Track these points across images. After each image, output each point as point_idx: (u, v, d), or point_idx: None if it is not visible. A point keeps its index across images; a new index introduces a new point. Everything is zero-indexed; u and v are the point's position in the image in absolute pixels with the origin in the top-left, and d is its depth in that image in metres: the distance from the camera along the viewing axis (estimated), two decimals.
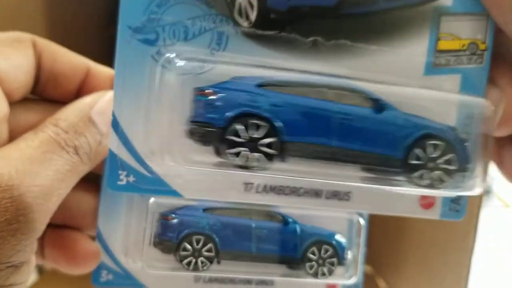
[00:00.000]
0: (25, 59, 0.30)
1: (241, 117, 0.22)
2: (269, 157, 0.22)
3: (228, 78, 0.23)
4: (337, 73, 0.24)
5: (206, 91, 0.22)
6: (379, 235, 0.49)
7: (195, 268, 0.32)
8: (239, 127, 0.22)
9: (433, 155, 0.23)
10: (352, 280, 0.36)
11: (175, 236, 0.31)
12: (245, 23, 0.24)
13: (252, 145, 0.22)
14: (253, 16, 0.24)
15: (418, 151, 0.23)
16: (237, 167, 0.22)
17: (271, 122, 0.22)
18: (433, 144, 0.23)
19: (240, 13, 0.24)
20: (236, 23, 0.24)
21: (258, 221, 0.32)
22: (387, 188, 0.24)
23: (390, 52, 0.26)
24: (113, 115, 0.24)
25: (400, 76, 0.25)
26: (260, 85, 0.23)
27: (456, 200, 0.27)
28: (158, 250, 0.32)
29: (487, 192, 0.99)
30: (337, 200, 0.26)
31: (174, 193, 0.25)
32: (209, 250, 0.31)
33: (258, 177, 0.25)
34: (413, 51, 0.26)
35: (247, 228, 0.32)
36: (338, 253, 0.34)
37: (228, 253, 0.32)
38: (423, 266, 0.54)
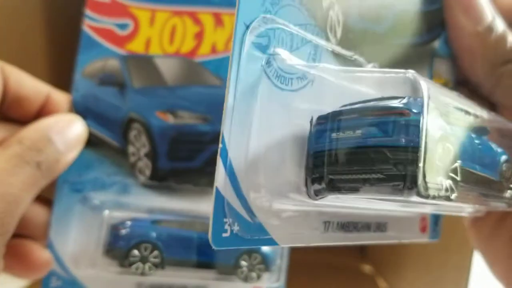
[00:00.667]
0: None
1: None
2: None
3: None
4: None
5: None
6: None
7: (143, 273, 0.36)
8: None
9: None
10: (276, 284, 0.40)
11: (125, 244, 0.36)
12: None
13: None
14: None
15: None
16: None
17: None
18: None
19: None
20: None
21: (199, 232, 0.38)
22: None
23: None
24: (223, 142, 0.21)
25: None
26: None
27: (436, 221, 0.34)
28: (108, 258, 0.36)
29: None
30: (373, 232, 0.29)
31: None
32: (155, 257, 0.36)
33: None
34: None
35: (189, 239, 0.38)
36: (266, 261, 0.38)
37: (172, 260, 0.37)
38: (423, 266, 0.54)
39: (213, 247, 0.21)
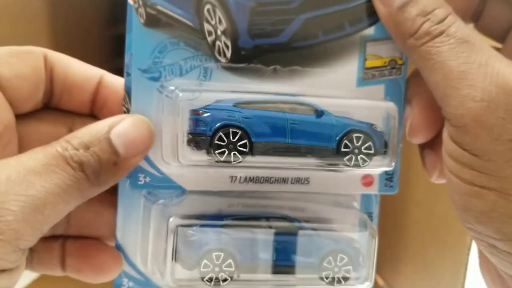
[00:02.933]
0: (31, 70, 0.31)
1: (223, 127, 0.31)
2: (243, 154, 0.31)
3: (213, 101, 0.32)
4: (291, 91, 0.33)
5: (199, 111, 0.31)
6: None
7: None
8: (222, 134, 0.31)
9: (357, 144, 0.33)
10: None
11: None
12: (223, 60, 0.33)
13: (232, 146, 0.31)
14: (228, 54, 0.33)
15: (346, 141, 0.33)
16: (222, 163, 0.32)
17: (244, 129, 0.31)
18: (356, 136, 0.33)
19: (219, 53, 0.33)
20: (217, 60, 0.33)
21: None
22: (333, 172, 0.34)
23: (330, 72, 0.35)
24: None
25: (339, 89, 0.34)
26: (235, 105, 0.32)
27: (389, 178, 0.37)
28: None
29: None
30: (300, 184, 0.35)
31: (179, 187, 0.34)
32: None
33: (240, 171, 0.34)
34: (347, 70, 0.35)
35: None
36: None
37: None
38: (420, 263, 0.55)
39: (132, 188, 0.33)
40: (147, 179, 0.34)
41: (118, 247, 0.35)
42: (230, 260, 0.32)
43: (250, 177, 0.35)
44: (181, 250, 0.32)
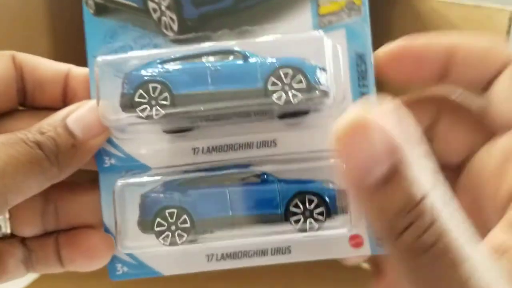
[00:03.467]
0: (2, 70, 0.33)
1: (144, 84, 0.30)
2: (164, 107, 0.30)
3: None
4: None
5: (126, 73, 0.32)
6: None
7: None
8: (142, 91, 0.30)
9: (286, 81, 0.30)
10: None
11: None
12: (171, 34, 0.34)
13: (154, 102, 0.30)
14: (175, 27, 0.34)
15: (273, 79, 0.30)
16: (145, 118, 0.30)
17: (163, 83, 0.30)
18: (284, 72, 0.30)
19: (166, 28, 0.34)
20: (165, 35, 0.34)
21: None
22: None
23: (282, 26, 0.33)
24: None
25: None
26: (160, 62, 0.31)
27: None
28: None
29: None
30: (267, 148, 0.33)
31: (144, 166, 0.33)
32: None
33: (202, 143, 0.33)
34: (301, 20, 0.33)
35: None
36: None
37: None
38: None
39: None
40: (112, 161, 0.34)
41: (107, 230, 0.35)
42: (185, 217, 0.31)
43: (212, 147, 0.33)
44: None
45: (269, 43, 0.31)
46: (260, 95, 0.29)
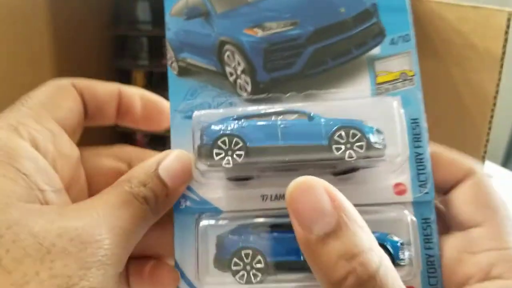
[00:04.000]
0: (73, 102, 0.35)
1: (222, 136, 0.34)
2: (240, 156, 0.34)
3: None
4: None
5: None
6: None
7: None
8: (220, 142, 0.34)
9: (347, 139, 0.34)
10: None
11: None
12: (245, 94, 0.38)
13: (230, 152, 0.34)
14: (249, 88, 0.38)
15: (336, 138, 0.34)
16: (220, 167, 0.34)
17: (239, 136, 0.34)
18: (345, 132, 0.34)
19: (241, 89, 0.39)
20: (240, 95, 0.38)
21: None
22: None
23: (344, 92, 0.38)
24: None
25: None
26: (234, 119, 0.36)
27: (422, 184, 0.36)
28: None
29: None
30: None
31: (215, 209, 0.37)
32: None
33: (270, 190, 0.36)
34: (360, 87, 0.38)
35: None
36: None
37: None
38: None
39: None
40: (187, 203, 0.37)
41: (177, 266, 0.37)
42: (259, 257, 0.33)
43: (279, 195, 0.37)
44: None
45: (334, 106, 0.36)
46: (324, 151, 0.33)
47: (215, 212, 0.37)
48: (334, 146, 0.33)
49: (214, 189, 0.37)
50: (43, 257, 0.25)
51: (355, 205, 0.35)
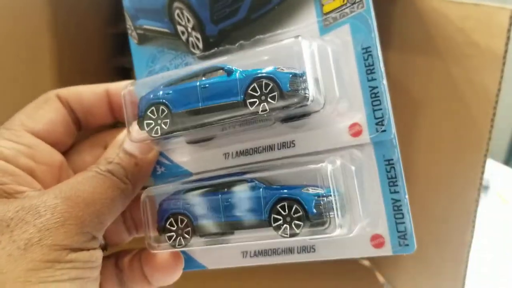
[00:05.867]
0: (55, 113, 0.37)
1: (150, 106, 0.34)
2: (166, 125, 0.33)
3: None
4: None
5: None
6: None
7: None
8: (149, 112, 0.34)
9: (264, 91, 0.30)
10: None
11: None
12: (197, 52, 0.38)
13: (158, 121, 0.33)
14: (200, 45, 0.37)
15: (250, 92, 0.31)
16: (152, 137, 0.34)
17: (165, 104, 0.33)
18: (258, 83, 0.31)
19: (193, 47, 0.38)
20: (193, 53, 0.38)
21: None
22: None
23: (291, 30, 0.34)
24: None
25: None
26: (165, 85, 0.34)
27: (379, 122, 0.32)
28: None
29: (485, 188, 0.97)
30: (286, 148, 0.35)
31: (187, 172, 0.38)
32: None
33: (231, 148, 0.36)
34: (308, 22, 0.34)
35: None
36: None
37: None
38: (421, 261, 0.52)
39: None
40: (163, 169, 0.39)
41: None
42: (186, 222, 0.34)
43: (240, 151, 0.36)
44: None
45: (254, 54, 0.33)
46: (241, 107, 0.31)
47: (186, 175, 0.38)
48: (248, 101, 0.31)
49: (183, 152, 0.38)
50: (2, 230, 0.29)
51: (312, 153, 0.34)
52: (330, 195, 0.30)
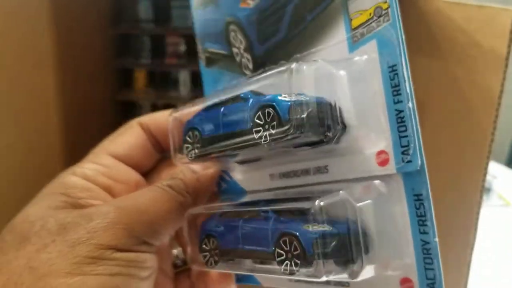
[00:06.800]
0: (134, 138, 0.41)
1: (187, 131, 0.35)
2: (196, 148, 0.34)
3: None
4: None
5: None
6: None
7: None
8: (187, 137, 0.35)
9: (267, 119, 0.29)
10: None
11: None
12: (248, 72, 0.38)
13: (194, 145, 0.35)
14: (251, 66, 0.38)
15: (256, 121, 0.30)
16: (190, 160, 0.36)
17: (197, 128, 0.34)
18: (262, 112, 0.29)
19: (245, 68, 0.38)
20: (245, 74, 0.38)
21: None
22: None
23: (324, 48, 0.32)
24: None
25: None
26: (203, 110, 0.35)
27: (405, 150, 0.27)
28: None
29: (487, 190, 1.00)
30: (320, 174, 0.33)
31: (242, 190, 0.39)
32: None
33: (274, 170, 0.36)
34: (338, 39, 0.31)
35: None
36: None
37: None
38: None
39: None
40: (225, 185, 0.41)
41: None
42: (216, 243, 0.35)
43: (282, 173, 0.36)
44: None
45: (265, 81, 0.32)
46: (250, 134, 0.30)
47: (242, 192, 0.39)
48: (254, 129, 0.30)
49: (238, 171, 0.39)
50: (59, 231, 0.33)
51: (344, 181, 0.31)
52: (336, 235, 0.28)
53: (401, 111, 0.28)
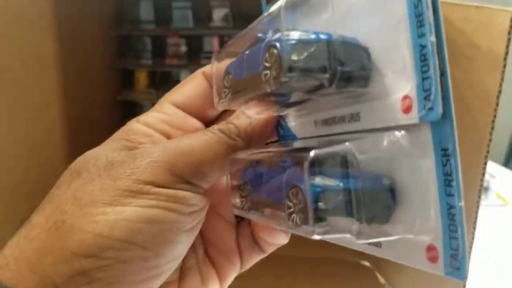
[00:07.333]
0: (197, 87, 0.41)
1: (225, 75, 0.37)
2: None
3: None
4: None
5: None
6: None
7: None
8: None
9: (270, 61, 0.28)
10: None
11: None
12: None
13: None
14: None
15: (264, 63, 0.29)
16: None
17: (230, 72, 0.36)
18: (270, 53, 0.28)
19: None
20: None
21: None
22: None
23: None
24: None
25: None
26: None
27: (427, 96, 0.25)
28: None
29: (485, 189, 1.03)
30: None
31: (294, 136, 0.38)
32: None
33: (317, 116, 0.34)
34: None
35: None
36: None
37: None
38: None
39: None
40: (281, 131, 0.40)
41: None
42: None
43: (323, 120, 0.34)
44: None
45: None
46: (259, 77, 0.29)
47: (294, 139, 0.38)
48: (263, 72, 0.29)
49: (290, 118, 0.39)
50: (106, 166, 0.35)
51: (375, 130, 0.29)
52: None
53: (424, 47, 0.24)
